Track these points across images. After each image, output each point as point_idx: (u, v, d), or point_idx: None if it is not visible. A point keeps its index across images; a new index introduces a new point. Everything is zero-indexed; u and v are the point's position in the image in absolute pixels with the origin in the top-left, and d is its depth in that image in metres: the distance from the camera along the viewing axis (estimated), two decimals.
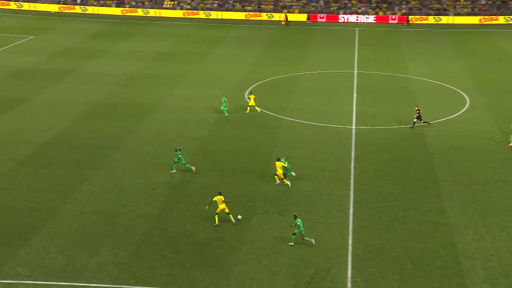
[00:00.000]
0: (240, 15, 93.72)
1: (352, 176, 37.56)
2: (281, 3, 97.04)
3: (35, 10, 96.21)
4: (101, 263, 27.97)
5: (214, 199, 31.38)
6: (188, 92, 54.75)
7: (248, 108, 49.10)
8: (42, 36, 78.82)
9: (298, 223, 29.23)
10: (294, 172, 37.04)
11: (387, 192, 35.60)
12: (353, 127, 46.20)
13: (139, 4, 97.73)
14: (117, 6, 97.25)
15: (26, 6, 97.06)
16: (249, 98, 49.88)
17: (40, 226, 31.09)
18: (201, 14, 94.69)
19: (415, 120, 45.54)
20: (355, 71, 63.44)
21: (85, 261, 28.08)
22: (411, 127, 45.60)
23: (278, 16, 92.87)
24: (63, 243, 29.62)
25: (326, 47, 75.41)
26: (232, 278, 27.12)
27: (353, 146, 42.50)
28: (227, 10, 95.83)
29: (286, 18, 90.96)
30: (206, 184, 36.11)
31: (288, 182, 35.79)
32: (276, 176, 36.21)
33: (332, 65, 65.84)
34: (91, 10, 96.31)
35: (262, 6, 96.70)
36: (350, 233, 30.95)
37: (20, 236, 30.18)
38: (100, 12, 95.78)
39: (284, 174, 35.97)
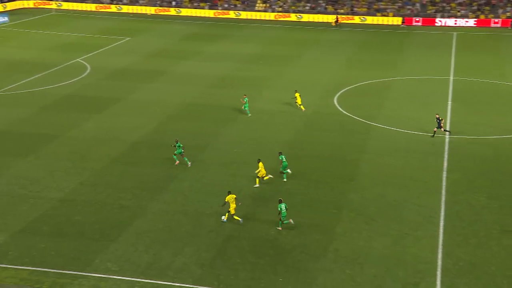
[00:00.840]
0: (332, 18, 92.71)
1: (443, 187, 35.99)
2: (375, 6, 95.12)
3: (133, 13, 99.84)
4: (184, 263, 28.27)
5: (226, 200, 31.67)
6: (276, 95, 54.63)
7: (301, 106, 49.49)
8: (138, 37, 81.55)
9: (280, 209, 30.17)
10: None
11: (481, 205, 33.79)
12: (447, 136, 44.26)
13: (232, 6, 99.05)
14: (210, 8, 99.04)
15: (125, 8, 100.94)
16: (295, 97, 49.88)
17: (129, 223, 31.93)
18: (293, 17, 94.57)
19: (435, 129, 43.52)
20: (451, 78, 60.93)
21: (170, 260, 28.49)
22: (432, 136, 43.55)
23: (371, 20, 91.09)
24: (150, 241, 30.23)
25: (420, 52, 72.99)
26: (315, 286, 26.61)
27: (446, 155, 40.73)
28: (319, 13, 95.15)
29: (337, 19, 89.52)
30: (291, 189, 35.76)
31: (270, 176, 36.06)
32: (257, 179, 35.78)
33: (427, 71, 63.61)
34: (185, 12, 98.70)
35: (355, 8, 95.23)
36: (440, 246, 29.59)
37: (111, 232, 31.11)
38: (194, 14, 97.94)
39: (281, 170, 36.39)
